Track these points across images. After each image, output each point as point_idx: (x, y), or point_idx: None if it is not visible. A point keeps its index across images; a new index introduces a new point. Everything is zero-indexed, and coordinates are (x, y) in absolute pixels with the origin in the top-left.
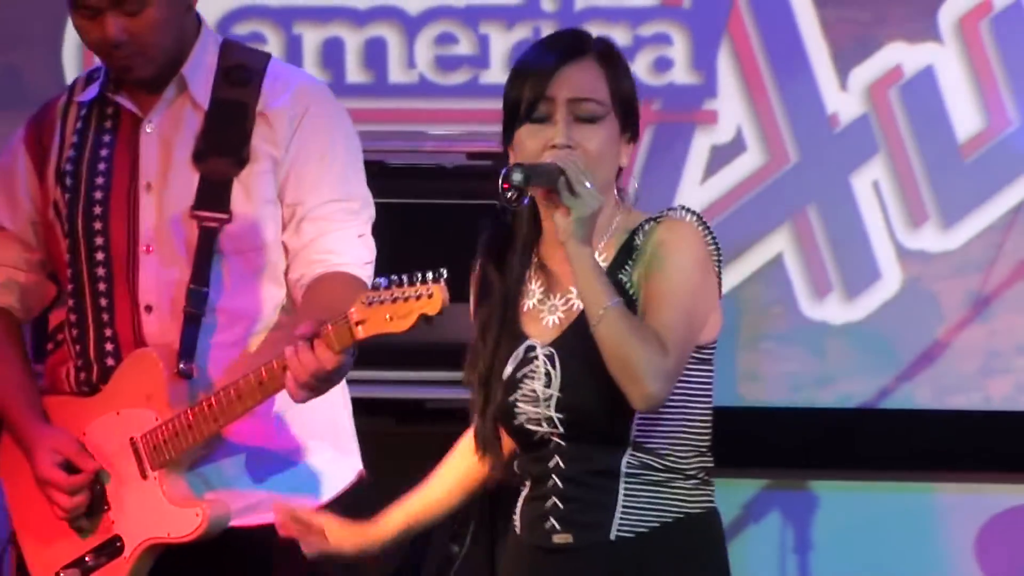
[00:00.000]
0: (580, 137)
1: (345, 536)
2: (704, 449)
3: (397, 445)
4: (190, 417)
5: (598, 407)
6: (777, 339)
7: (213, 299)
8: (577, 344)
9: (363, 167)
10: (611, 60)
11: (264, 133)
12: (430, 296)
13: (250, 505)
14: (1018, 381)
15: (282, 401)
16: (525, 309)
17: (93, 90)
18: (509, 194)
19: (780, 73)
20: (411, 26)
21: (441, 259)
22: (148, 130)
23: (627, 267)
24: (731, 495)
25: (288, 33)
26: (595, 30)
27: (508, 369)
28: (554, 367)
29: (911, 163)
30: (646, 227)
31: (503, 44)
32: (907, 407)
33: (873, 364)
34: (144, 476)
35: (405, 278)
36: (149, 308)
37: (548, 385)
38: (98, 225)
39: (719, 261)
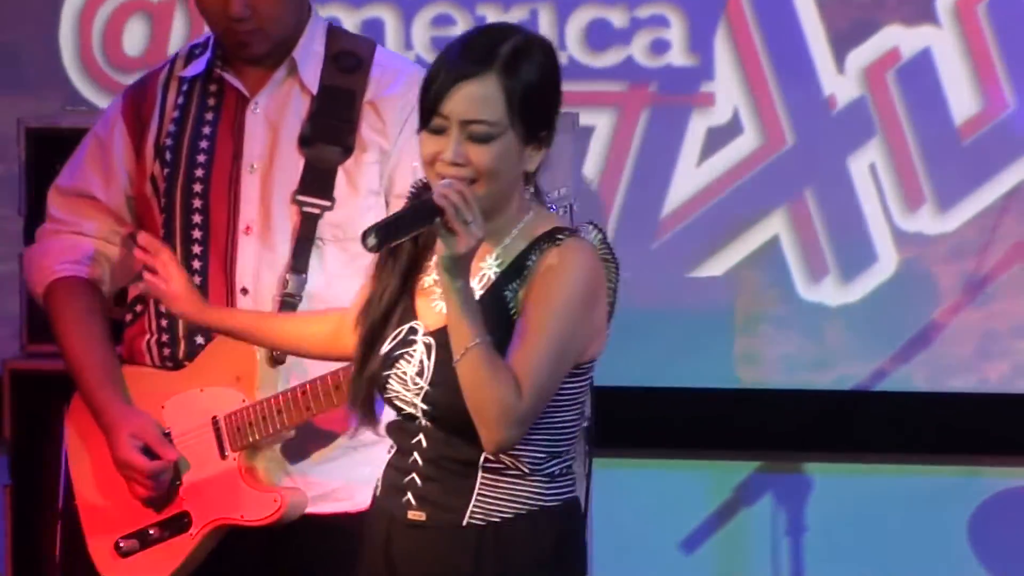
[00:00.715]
0: (471, 155)
1: (183, 295)
2: (561, 452)
3: None
4: (281, 402)
5: (463, 410)
6: (773, 321)
7: (310, 286)
8: None
9: None
10: (515, 72)
11: (372, 122)
12: None
13: (324, 494)
14: (1014, 363)
15: None
16: (423, 284)
17: (199, 65)
18: (369, 246)
19: (777, 55)
20: (408, 7)
21: None
22: (255, 110)
23: (514, 284)
24: (725, 477)
25: None
26: (592, 12)
27: (387, 345)
28: (428, 358)
29: (908, 146)
30: (543, 246)
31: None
32: (903, 389)
33: (869, 346)
34: (223, 456)
35: None
36: (245, 291)
37: (420, 374)
38: (197, 203)
39: (614, 287)
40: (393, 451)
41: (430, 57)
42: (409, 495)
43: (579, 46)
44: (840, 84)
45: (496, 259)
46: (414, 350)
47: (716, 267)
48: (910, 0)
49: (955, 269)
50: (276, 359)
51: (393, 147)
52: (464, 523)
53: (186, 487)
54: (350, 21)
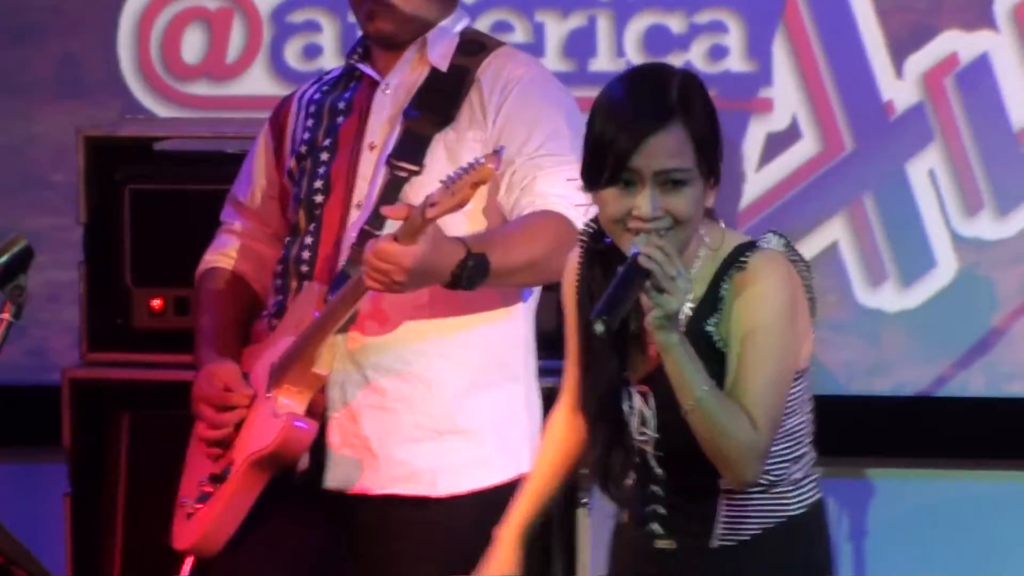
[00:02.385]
0: (667, 204)
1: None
2: (804, 453)
3: None
4: (306, 334)
5: (696, 448)
6: (832, 327)
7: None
8: (669, 386)
9: (578, 132)
10: (693, 113)
11: (476, 96)
12: (482, 165)
13: (408, 475)
14: None
15: (468, 383)
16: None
17: (339, 68)
18: (599, 332)
19: (835, 61)
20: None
21: None
22: (385, 91)
23: (714, 318)
24: None
25: (343, 21)
26: (651, 18)
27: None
28: (648, 407)
29: (966, 151)
30: (732, 273)
31: (558, 32)
32: (963, 395)
33: (929, 352)
34: (268, 394)
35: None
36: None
37: (643, 424)
38: (318, 183)
39: (809, 285)
40: (632, 479)
41: None
42: (655, 525)
43: (638, 52)
44: (898, 89)
45: (686, 294)
46: (631, 403)
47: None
48: (968, 5)
49: (1015, 274)
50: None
51: (495, 118)
52: (714, 545)
53: (238, 437)
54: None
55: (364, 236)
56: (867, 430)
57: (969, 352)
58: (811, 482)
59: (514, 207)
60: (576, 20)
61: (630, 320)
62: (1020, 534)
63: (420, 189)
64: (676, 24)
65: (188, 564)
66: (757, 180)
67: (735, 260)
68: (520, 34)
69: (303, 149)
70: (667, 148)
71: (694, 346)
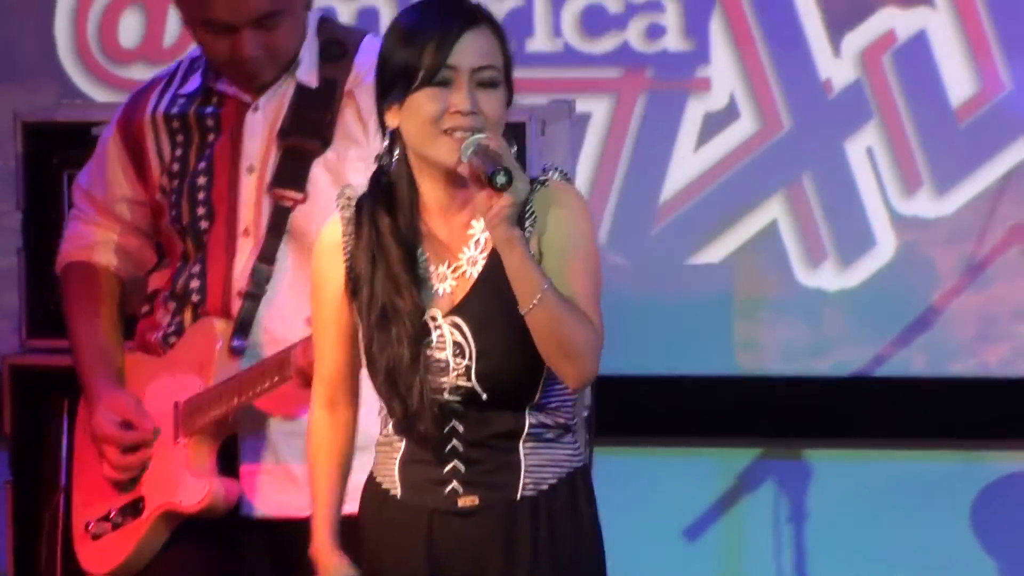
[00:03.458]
0: (482, 103)
1: None
2: (577, 401)
3: None
4: (221, 389)
5: (516, 371)
6: (772, 307)
7: (278, 280)
8: (485, 311)
9: None
10: (500, 30)
11: (351, 114)
12: None
13: (262, 490)
14: (1014, 347)
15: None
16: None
17: (195, 81)
18: (500, 183)
19: (773, 40)
20: None
21: None
22: (255, 112)
23: (525, 230)
24: (725, 465)
25: None
26: None
27: (405, 346)
28: (465, 337)
29: (905, 129)
30: (535, 190)
31: (495, 11)
32: (903, 374)
33: (868, 331)
34: (176, 441)
35: None
36: (240, 294)
37: (460, 355)
38: (201, 210)
39: None
40: (403, 448)
41: None
42: (455, 483)
43: (575, 32)
44: (836, 67)
45: (482, 220)
46: (440, 337)
47: (714, 253)
48: None
49: (954, 252)
50: (234, 350)
51: (373, 137)
52: (518, 497)
53: (147, 472)
54: (345, 10)
55: (256, 273)
56: (807, 410)
57: (909, 331)
58: (578, 440)
59: None
60: (513, 0)
61: (417, 264)
62: (960, 514)
63: (308, 217)
64: (613, 3)
65: None
66: (695, 160)
67: (534, 181)
68: None
69: (175, 167)
70: (481, 47)
71: (499, 269)
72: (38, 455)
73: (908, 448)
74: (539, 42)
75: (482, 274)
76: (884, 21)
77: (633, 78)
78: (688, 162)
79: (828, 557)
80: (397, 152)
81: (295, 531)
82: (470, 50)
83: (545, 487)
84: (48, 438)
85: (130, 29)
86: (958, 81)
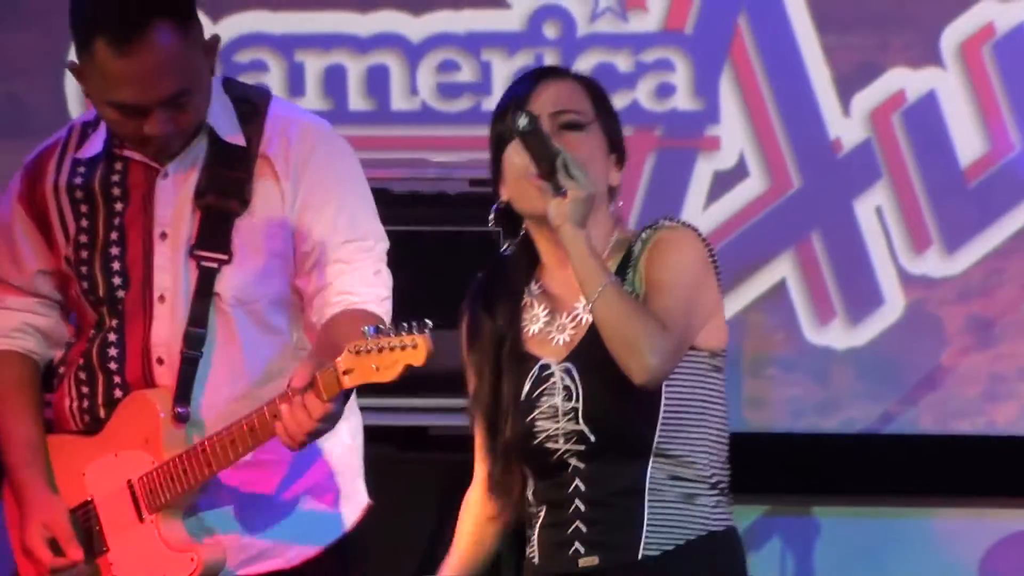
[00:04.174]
0: (568, 144)
1: None
2: (723, 459)
3: (400, 472)
4: (184, 461)
5: (623, 412)
6: (781, 365)
7: (211, 343)
8: (593, 354)
9: (373, 201)
10: (592, 84)
11: (268, 177)
12: (415, 347)
13: (253, 556)
14: (1022, 405)
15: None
16: (531, 335)
17: (96, 145)
18: (521, 124)
19: (782, 99)
20: (413, 53)
21: (444, 286)
22: (164, 180)
23: (628, 274)
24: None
25: (290, 61)
26: (598, 56)
27: (524, 390)
28: (573, 380)
29: (914, 188)
30: (644, 234)
31: (505, 70)
32: (911, 432)
33: (877, 389)
34: (141, 520)
35: (391, 328)
36: (161, 360)
37: (569, 398)
38: (117, 280)
39: (718, 271)
40: (543, 513)
41: (437, 103)
42: (576, 544)
43: None
44: (846, 127)
45: None
46: (553, 382)
47: (724, 310)
48: (915, 43)
49: (962, 311)
50: (178, 417)
51: (293, 201)
52: (639, 556)
53: (112, 554)
54: (355, 67)
55: (189, 337)
56: (815, 468)
57: (916, 389)
58: (728, 503)
59: (320, 300)
60: (522, 59)
61: (532, 320)
62: (967, 572)
63: (232, 279)
64: (623, 63)
65: None
66: (704, 218)
67: (649, 227)
68: (467, 73)
69: (83, 238)
70: (560, 92)
71: None
72: None
73: (915, 505)
74: None
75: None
76: (894, 81)
77: (643, 137)
78: (697, 220)
79: None
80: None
81: None
82: (548, 97)
83: (671, 547)
84: None
85: None
86: (967, 141)
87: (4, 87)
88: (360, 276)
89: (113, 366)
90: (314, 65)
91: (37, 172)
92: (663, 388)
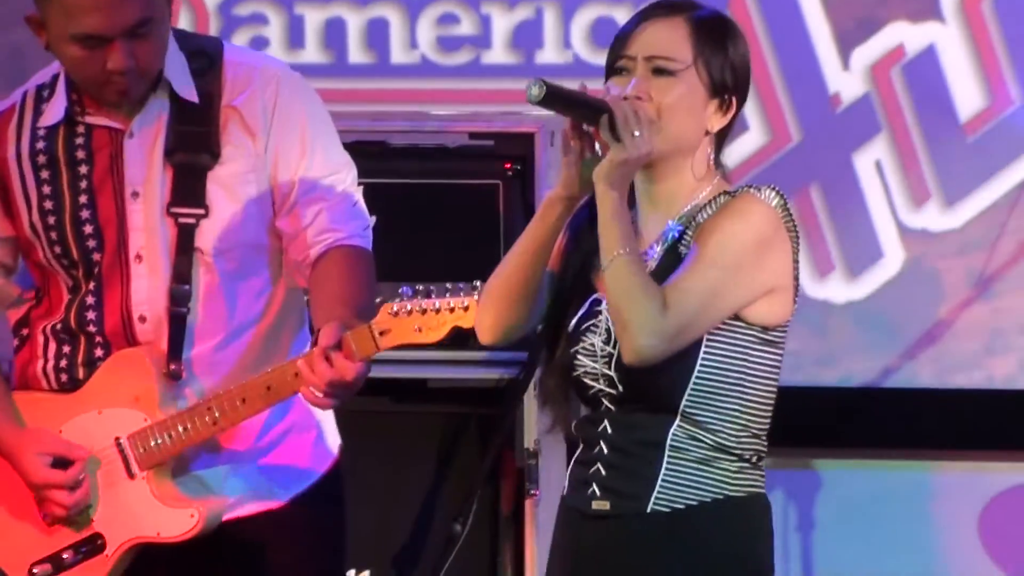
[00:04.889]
0: (655, 90)
1: None
2: (759, 432)
3: (399, 424)
4: (186, 419)
5: (653, 369)
6: None
7: (197, 298)
8: None
9: (335, 130)
10: (705, 26)
11: (236, 125)
12: (465, 309)
13: (231, 503)
14: (1021, 360)
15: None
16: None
17: (56, 113)
18: (533, 94)
19: (782, 53)
20: (413, 6)
21: (443, 239)
22: (131, 139)
23: (686, 239)
24: None
25: (290, 13)
26: (598, 10)
27: (572, 321)
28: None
29: (913, 142)
30: (719, 199)
31: (505, 24)
32: (910, 386)
33: (876, 343)
34: (131, 476)
35: (434, 289)
36: (143, 319)
37: (607, 342)
38: (92, 243)
39: (796, 257)
40: (580, 448)
41: (437, 56)
42: (594, 486)
43: (585, 44)
44: (845, 81)
45: (680, 219)
46: (599, 320)
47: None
48: None
49: (961, 265)
50: (173, 374)
51: (266, 146)
52: (648, 510)
53: (97, 509)
54: (355, 20)
55: (175, 295)
56: (814, 421)
57: (916, 343)
58: (758, 472)
59: (310, 242)
60: (523, 12)
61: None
62: (966, 525)
63: (211, 232)
64: (623, 16)
65: None
66: None
67: (729, 192)
68: (467, 26)
69: (48, 204)
70: (660, 36)
71: (667, 270)
72: None
73: (915, 459)
74: (549, 53)
75: (655, 269)
76: (893, 35)
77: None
78: None
79: (835, 566)
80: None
81: (234, 530)
82: (646, 40)
83: (682, 506)
84: None
85: None
86: (967, 95)
87: (5, 38)
88: (340, 211)
89: (92, 328)
90: (314, 18)
91: (5, 145)
92: (700, 353)
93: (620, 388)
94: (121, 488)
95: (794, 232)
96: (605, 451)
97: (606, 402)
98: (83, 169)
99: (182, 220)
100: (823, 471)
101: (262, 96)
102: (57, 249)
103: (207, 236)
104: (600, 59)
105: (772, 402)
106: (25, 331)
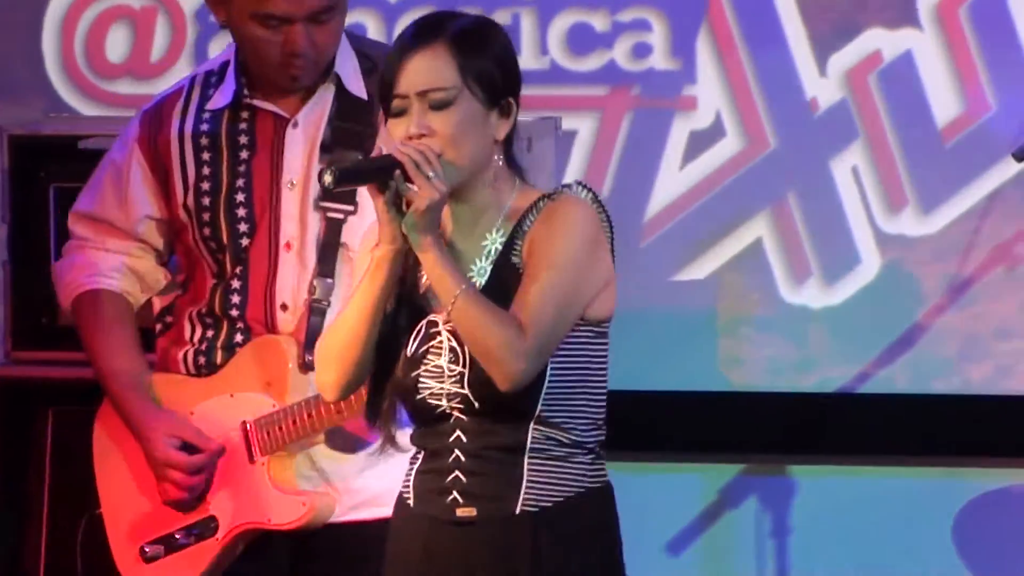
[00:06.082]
0: (434, 123)
1: None
2: (600, 422)
3: None
4: (311, 406)
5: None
6: (756, 324)
7: (338, 293)
8: None
9: None
10: (465, 41)
11: None
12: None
13: (360, 502)
14: (997, 365)
15: None
16: (425, 283)
17: (225, 96)
18: (325, 183)
19: (759, 59)
20: (390, 12)
21: None
22: (294, 128)
23: (517, 246)
24: (709, 480)
25: None
26: (575, 16)
27: (411, 346)
28: (461, 344)
29: (890, 148)
30: (539, 205)
31: None
32: (886, 391)
33: (852, 349)
34: (252, 460)
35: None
36: (285, 307)
37: (454, 361)
38: (243, 227)
39: (611, 238)
40: (421, 458)
41: None
42: (455, 494)
43: (561, 50)
44: (822, 87)
45: (498, 231)
46: (440, 341)
47: (699, 270)
48: (891, 3)
49: (938, 271)
50: (307, 365)
51: None
52: (517, 511)
53: (213, 492)
54: None
55: (318, 287)
56: (790, 426)
57: (892, 349)
58: (602, 460)
59: None
60: (499, 18)
61: (421, 276)
62: (941, 530)
63: (357, 230)
64: (599, 22)
65: None
66: (680, 178)
67: (545, 197)
68: None
69: (205, 185)
70: (425, 68)
71: (503, 281)
72: (21, 468)
73: (891, 464)
74: (526, 60)
75: (486, 284)
76: (870, 41)
77: (619, 96)
78: (674, 180)
79: (810, 572)
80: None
81: (326, 535)
82: (413, 75)
83: (548, 504)
84: (32, 449)
85: (117, 44)
86: (943, 101)
87: None
88: None
89: (235, 312)
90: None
91: (159, 119)
92: (548, 361)
93: (476, 405)
94: (240, 473)
95: (607, 223)
96: (462, 459)
97: (456, 414)
98: (244, 154)
99: (331, 215)
100: (799, 477)
101: None
102: (207, 231)
103: (354, 233)
104: (578, 65)
105: (605, 392)
106: (170, 318)
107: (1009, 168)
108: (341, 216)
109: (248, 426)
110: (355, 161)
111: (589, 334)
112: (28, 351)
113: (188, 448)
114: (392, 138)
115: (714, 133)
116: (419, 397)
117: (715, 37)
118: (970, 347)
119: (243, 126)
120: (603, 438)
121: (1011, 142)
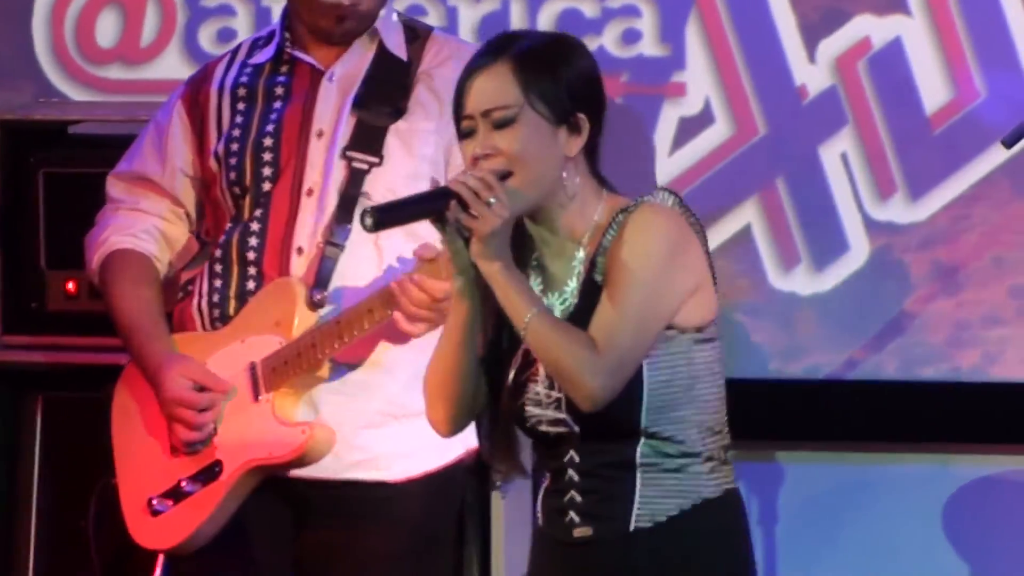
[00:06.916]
0: (499, 142)
1: None
2: (719, 429)
3: None
4: (315, 335)
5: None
6: (745, 311)
7: (353, 240)
8: None
9: None
10: (529, 59)
11: (427, 92)
12: None
13: (357, 461)
14: (986, 352)
15: (422, 366)
16: None
17: (267, 53)
18: (366, 225)
19: (748, 45)
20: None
21: None
22: (329, 81)
23: (597, 266)
24: None
25: (257, 5)
26: (564, 3)
27: (511, 374)
28: None
29: (879, 135)
30: (618, 218)
31: (471, 16)
32: (875, 378)
33: (841, 336)
34: (256, 399)
35: None
36: (300, 250)
37: (552, 387)
38: (267, 171)
39: (703, 239)
40: (547, 478)
41: None
42: (571, 514)
43: None
44: (811, 74)
45: (585, 250)
46: (536, 368)
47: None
48: None
49: (927, 258)
50: (316, 303)
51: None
52: (631, 528)
53: (220, 436)
54: None
55: (333, 231)
56: (779, 414)
57: (881, 336)
58: (726, 466)
59: None
60: (489, 4)
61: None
62: (931, 517)
63: (381, 180)
64: (589, 8)
65: (160, 563)
66: (669, 164)
67: (625, 209)
68: (433, 18)
69: (235, 132)
70: (488, 88)
71: (590, 301)
72: (12, 452)
73: (880, 451)
74: None
75: (576, 305)
76: (859, 28)
77: (608, 82)
78: (662, 166)
79: (799, 559)
80: None
81: (321, 490)
82: (477, 96)
83: (663, 519)
84: (21, 434)
85: (107, 29)
86: (933, 88)
87: None
88: None
89: (252, 255)
90: (280, 9)
91: (204, 76)
92: (644, 373)
93: (576, 428)
94: (245, 413)
95: (697, 225)
96: (576, 478)
97: (566, 437)
98: (277, 104)
99: (356, 164)
100: (787, 464)
101: (458, 67)
102: (232, 175)
103: (377, 184)
104: None
105: (723, 395)
106: (191, 287)
107: (998, 155)
108: (365, 167)
109: (255, 366)
110: (399, 200)
111: (688, 342)
112: (19, 336)
113: (201, 391)
114: (463, 159)
115: (703, 119)
116: (528, 425)
117: (704, 23)
118: (959, 334)
119: (281, 78)
120: (725, 443)
121: (1000, 129)
